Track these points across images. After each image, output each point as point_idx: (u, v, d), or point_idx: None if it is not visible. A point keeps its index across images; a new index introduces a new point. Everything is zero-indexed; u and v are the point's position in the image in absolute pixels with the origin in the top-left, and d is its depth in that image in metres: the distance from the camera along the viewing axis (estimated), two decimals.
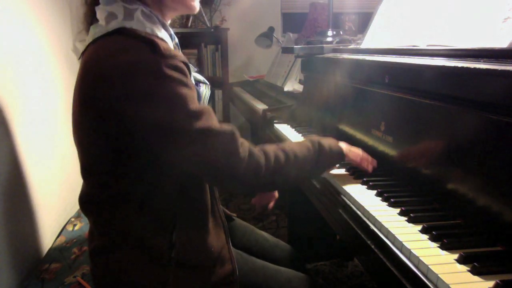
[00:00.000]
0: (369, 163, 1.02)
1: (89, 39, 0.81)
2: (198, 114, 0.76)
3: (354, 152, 1.02)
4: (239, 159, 0.80)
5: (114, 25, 0.77)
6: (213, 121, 0.79)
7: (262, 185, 0.89)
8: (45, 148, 1.46)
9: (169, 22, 0.92)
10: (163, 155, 0.79)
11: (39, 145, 1.41)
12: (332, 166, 1.02)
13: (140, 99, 0.73)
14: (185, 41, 1.82)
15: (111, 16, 0.78)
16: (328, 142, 0.97)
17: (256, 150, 0.84)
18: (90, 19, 0.84)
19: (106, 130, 0.78)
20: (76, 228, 1.51)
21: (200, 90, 0.93)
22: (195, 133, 0.76)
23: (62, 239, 1.44)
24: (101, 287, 0.92)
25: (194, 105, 0.77)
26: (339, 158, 0.99)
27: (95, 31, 0.80)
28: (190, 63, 0.95)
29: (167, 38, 0.84)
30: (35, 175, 1.35)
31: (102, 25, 0.79)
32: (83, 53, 0.83)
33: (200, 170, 0.81)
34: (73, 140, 0.87)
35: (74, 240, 1.40)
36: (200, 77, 0.96)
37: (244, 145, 0.82)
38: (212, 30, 2.97)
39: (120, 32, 0.77)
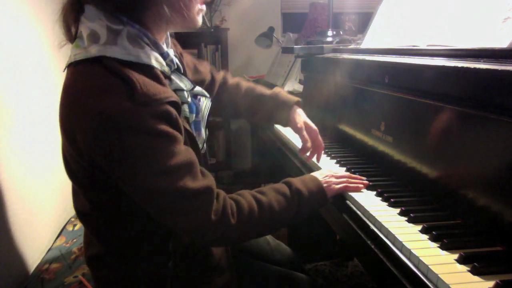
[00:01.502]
0: (356, 185, 0.92)
1: (70, 57, 0.75)
2: (175, 171, 0.72)
3: (337, 187, 0.91)
4: (210, 220, 0.75)
5: (94, 52, 0.70)
6: (191, 177, 0.74)
7: (234, 240, 0.85)
8: (45, 148, 1.46)
9: (164, 37, 0.84)
10: (133, 197, 0.76)
11: (39, 145, 1.41)
12: (314, 210, 0.92)
13: (115, 154, 0.69)
14: (185, 41, 1.82)
15: (93, 36, 0.71)
16: (307, 184, 0.89)
17: (231, 204, 0.79)
18: (75, 28, 0.77)
19: (84, 162, 0.75)
20: (76, 228, 1.51)
21: (199, 103, 0.90)
22: (170, 193, 0.72)
23: (62, 239, 1.44)
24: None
25: (173, 160, 0.71)
26: (322, 201, 0.90)
27: (76, 52, 0.73)
28: (186, 76, 0.89)
29: (156, 59, 0.76)
30: (35, 175, 1.35)
31: (84, 46, 0.72)
32: (66, 67, 0.78)
33: (172, 226, 0.79)
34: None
35: (74, 240, 1.40)
36: (199, 89, 0.91)
37: (219, 201, 0.78)
38: (212, 30, 2.96)
39: (100, 60, 0.70)
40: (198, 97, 0.91)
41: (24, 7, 1.41)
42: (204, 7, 0.83)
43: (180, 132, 0.76)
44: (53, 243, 1.42)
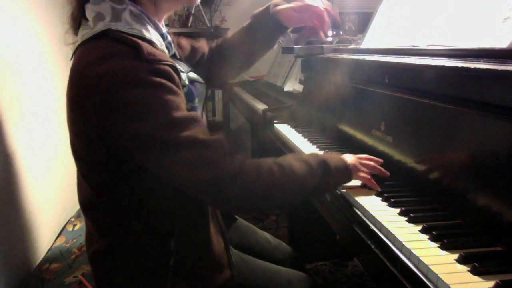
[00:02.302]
0: (375, 184, 0.90)
1: (78, 40, 0.80)
2: (182, 123, 0.72)
3: (361, 175, 0.90)
4: (226, 172, 0.74)
5: (100, 27, 0.75)
6: (199, 130, 0.75)
7: (253, 201, 0.79)
8: (45, 148, 1.46)
9: (164, 18, 0.89)
10: (148, 166, 0.75)
11: (39, 145, 1.41)
12: (337, 186, 0.91)
13: (121, 110, 0.70)
14: None
15: (98, 17, 0.76)
16: (335, 161, 0.86)
17: (249, 162, 0.78)
18: (79, 18, 0.82)
19: (93, 137, 0.76)
20: (76, 228, 1.51)
21: (194, 89, 0.91)
22: (179, 144, 0.71)
23: (62, 239, 1.44)
24: (102, 286, 0.92)
25: (178, 112, 0.73)
26: (346, 179, 0.89)
27: (83, 33, 0.78)
28: (183, 61, 0.95)
29: (156, 38, 0.81)
30: (35, 175, 1.35)
31: (90, 26, 0.77)
32: (73, 54, 0.82)
33: (185, 183, 0.75)
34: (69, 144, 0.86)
35: (74, 240, 1.40)
36: (194, 75, 0.94)
37: (234, 157, 0.77)
38: (212, 30, 2.96)
39: (106, 34, 0.75)
40: (194, 83, 0.92)
41: (24, 7, 1.40)
42: None
43: (182, 94, 0.78)
44: (53, 243, 1.42)
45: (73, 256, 1.30)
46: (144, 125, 0.70)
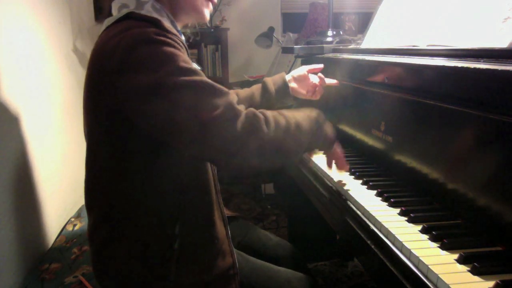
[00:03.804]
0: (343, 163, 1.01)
1: (102, 28, 0.86)
2: (191, 71, 0.75)
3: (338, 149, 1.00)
4: (234, 113, 0.75)
5: (124, 12, 0.82)
6: (209, 81, 0.77)
7: (263, 145, 0.78)
8: (45, 148, 1.46)
9: (179, 27, 0.94)
10: (154, 118, 0.76)
11: (39, 145, 1.41)
12: (321, 146, 0.97)
13: (135, 65, 0.74)
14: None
15: (123, 7, 0.85)
16: (326, 126, 0.96)
17: (255, 110, 0.80)
18: (107, 12, 0.89)
19: (107, 112, 0.79)
20: (76, 228, 1.51)
21: None
22: (185, 85, 0.73)
23: (62, 239, 1.44)
24: (103, 279, 0.92)
25: (188, 64, 0.76)
26: (331, 142, 0.97)
27: (108, 20, 0.85)
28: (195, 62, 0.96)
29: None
30: (35, 175, 1.35)
31: (115, 14, 0.84)
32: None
33: (192, 128, 0.74)
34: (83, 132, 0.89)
35: (74, 240, 1.41)
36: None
37: (241, 106, 0.79)
38: (212, 30, 2.97)
39: (129, 16, 0.81)
40: None
41: (24, 7, 1.40)
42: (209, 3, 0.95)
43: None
44: (53, 243, 1.42)
45: (73, 256, 1.30)
46: (154, 74, 0.73)
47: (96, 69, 0.80)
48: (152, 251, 0.86)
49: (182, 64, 0.75)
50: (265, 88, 1.24)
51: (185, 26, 1.02)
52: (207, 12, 0.95)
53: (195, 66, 0.90)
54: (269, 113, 0.82)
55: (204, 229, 0.91)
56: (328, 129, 0.95)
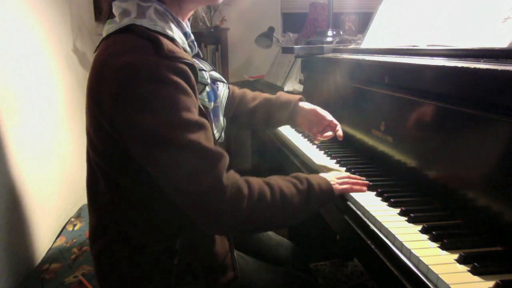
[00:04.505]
0: (360, 187, 0.92)
1: (103, 34, 0.83)
2: (188, 125, 0.73)
3: (343, 187, 0.91)
4: (221, 185, 0.74)
5: (125, 22, 0.78)
6: (204, 136, 0.74)
7: (242, 220, 0.77)
8: (45, 148, 1.46)
9: (188, 16, 0.90)
10: (145, 164, 0.76)
11: (39, 145, 1.41)
12: (322, 206, 0.92)
13: (133, 101, 0.71)
14: None
15: (124, 13, 0.80)
16: (316, 179, 0.89)
17: (241, 181, 0.78)
18: (107, 14, 0.86)
19: (106, 128, 0.78)
20: (76, 228, 1.51)
21: (216, 88, 0.93)
22: (181, 144, 0.71)
23: (62, 239, 1.44)
24: (104, 284, 0.92)
25: (187, 114, 0.73)
26: (330, 197, 0.89)
27: (109, 27, 0.81)
28: (206, 61, 0.95)
29: (179, 36, 0.83)
30: (35, 175, 1.35)
31: (116, 22, 0.80)
32: (97, 47, 0.84)
33: (177, 190, 0.75)
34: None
35: (74, 240, 1.41)
36: (217, 75, 0.96)
37: (230, 175, 0.77)
38: (212, 30, 2.96)
39: (130, 29, 0.77)
40: (217, 83, 0.94)
41: (24, 7, 1.41)
42: None
43: (196, 97, 0.78)
44: (53, 243, 1.42)
45: (73, 256, 1.30)
46: (151, 119, 0.71)
47: (95, 88, 0.77)
48: (151, 264, 0.85)
49: (183, 115, 0.72)
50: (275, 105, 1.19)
51: (194, 15, 0.97)
52: None
53: (211, 75, 0.91)
54: (256, 186, 0.79)
55: (204, 245, 0.89)
56: (319, 187, 0.87)
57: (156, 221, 0.85)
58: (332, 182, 0.91)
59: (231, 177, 0.77)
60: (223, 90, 0.97)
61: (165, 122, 0.71)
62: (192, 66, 0.78)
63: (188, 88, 0.75)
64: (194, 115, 0.75)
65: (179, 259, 0.85)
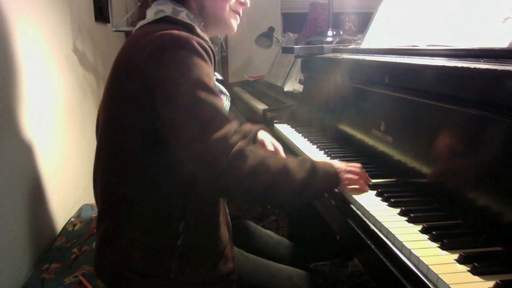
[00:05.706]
0: (364, 184, 0.92)
1: (135, 28, 0.93)
2: (209, 88, 0.80)
3: (348, 176, 0.91)
4: (226, 142, 0.77)
5: (161, 14, 0.88)
6: (220, 102, 0.82)
7: (241, 180, 0.78)
8: (45, 148, 1.46)
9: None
10: (164, 119, 0.81)
11: (38, 145, 1.41)
12: (325, 190, 0.93)
13: (167, 61, 0.80)
14: None
15: (160, 12, 0.90)
16: (322, 163, 0.90)
17: (248, 147, 0.80)
18: (142, 15, 0.97)
19: (129, 91, 0.83)
20: (76, 228, 1.51)
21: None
22: (201, 100, 0.78)
23: (62, 239, 1.44)
24: (103, 272, 0.92)
25: (210, 81, 0.81)
26: (334, 181, 0.90)
27: (142, 21, 0.91)
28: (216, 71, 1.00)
29: (203, 36, 0.90)
30: (34, 175, 1.35)
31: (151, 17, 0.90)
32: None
33: (186, 142, 0.78)
34: (96, 119, 0.94)
35: (74, 240, 1.40)
36: (222, 88, 0.99)
37: (237, 139, 0.79)
38: None
39: (165, 19, 0.88)
40: (221, 95, 0.96)
41: (24, 7, 1.40)
42: (238, 9, 1.04)
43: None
44: (53, 243, 1.42)
45: (73, 256, 1.30)
46: (181, 76, 0.79)
47: (126, 58, 0.86)
48: (154, 244, 0.87)
49: (206, 80, 0.81)
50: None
51: (213, 38, 1.07)
52: (235, 23, 1.02)
53: (217, 76, 0.98)
54: (261, 153, 0.82)
55: (208, 229, 0.91)
56: (324, 172, 0.88)
57: (161, 202, 0.87)
58: (338, 170, 0.91)
59: (237, 140, 0.80)
60: (225, 103, 0.99)
61: (192, 80, 0.79)
62: (213, 52, 0.87)
63: (210, 63, 0.85)
64: (213, 85, 0.83)
65: (182, 241, 0.87)
